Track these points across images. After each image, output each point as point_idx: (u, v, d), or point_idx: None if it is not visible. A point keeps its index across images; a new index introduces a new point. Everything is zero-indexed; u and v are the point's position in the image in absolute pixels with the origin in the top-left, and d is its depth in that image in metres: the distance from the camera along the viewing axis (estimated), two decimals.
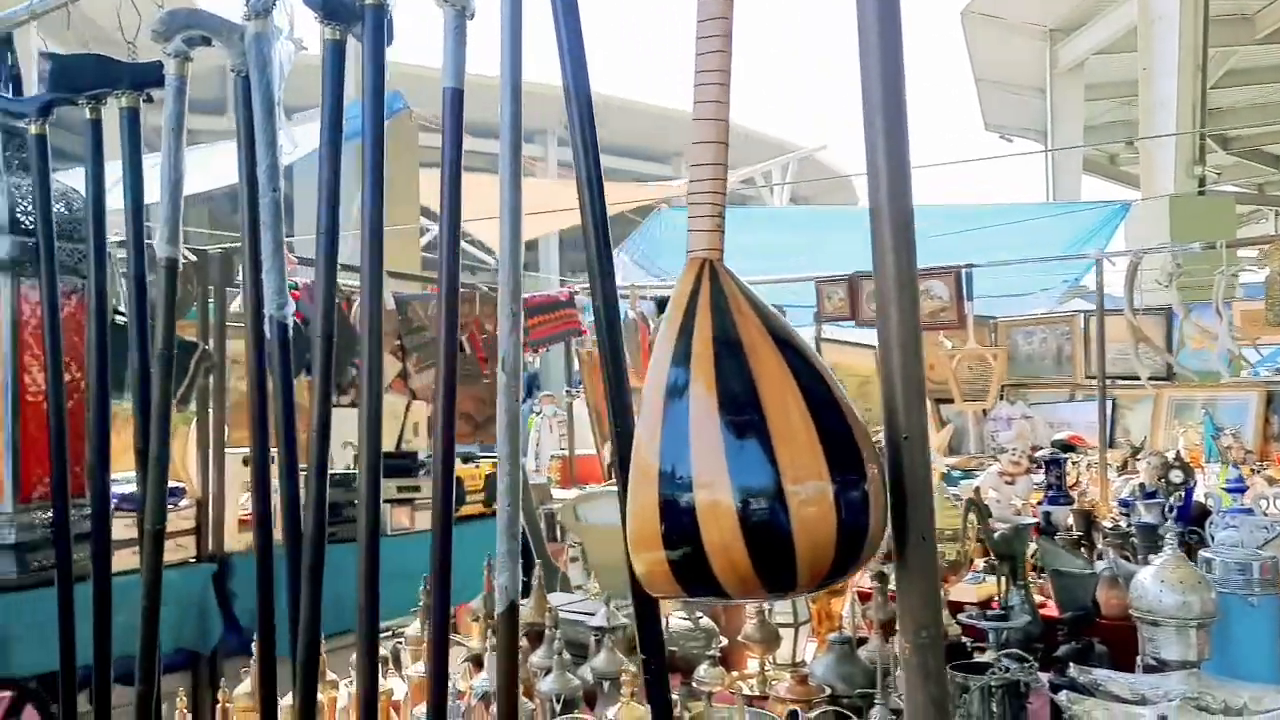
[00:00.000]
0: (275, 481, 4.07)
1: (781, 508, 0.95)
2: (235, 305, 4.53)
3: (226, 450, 3.97)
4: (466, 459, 5.16)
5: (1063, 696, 2.40)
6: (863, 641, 2.99)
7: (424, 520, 4.84)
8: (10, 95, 1.78)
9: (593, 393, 6.90)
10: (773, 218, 11.89)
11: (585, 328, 7.41)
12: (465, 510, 4.95)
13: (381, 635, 2.75)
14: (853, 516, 0.97)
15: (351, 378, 5.03)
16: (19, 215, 1.71)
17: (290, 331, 1.43)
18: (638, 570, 1.03)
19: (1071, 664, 2.62)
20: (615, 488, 3.89)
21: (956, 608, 3.13)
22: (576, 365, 7.13)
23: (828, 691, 2.68)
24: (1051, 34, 16.39)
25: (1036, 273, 8.91)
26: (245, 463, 4.09)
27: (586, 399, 6.96)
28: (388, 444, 5.09)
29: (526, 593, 4.23)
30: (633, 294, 6.79)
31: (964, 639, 3.02)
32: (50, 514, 1.70)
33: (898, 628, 1.04)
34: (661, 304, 7.04)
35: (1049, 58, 16.83)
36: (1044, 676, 2.64)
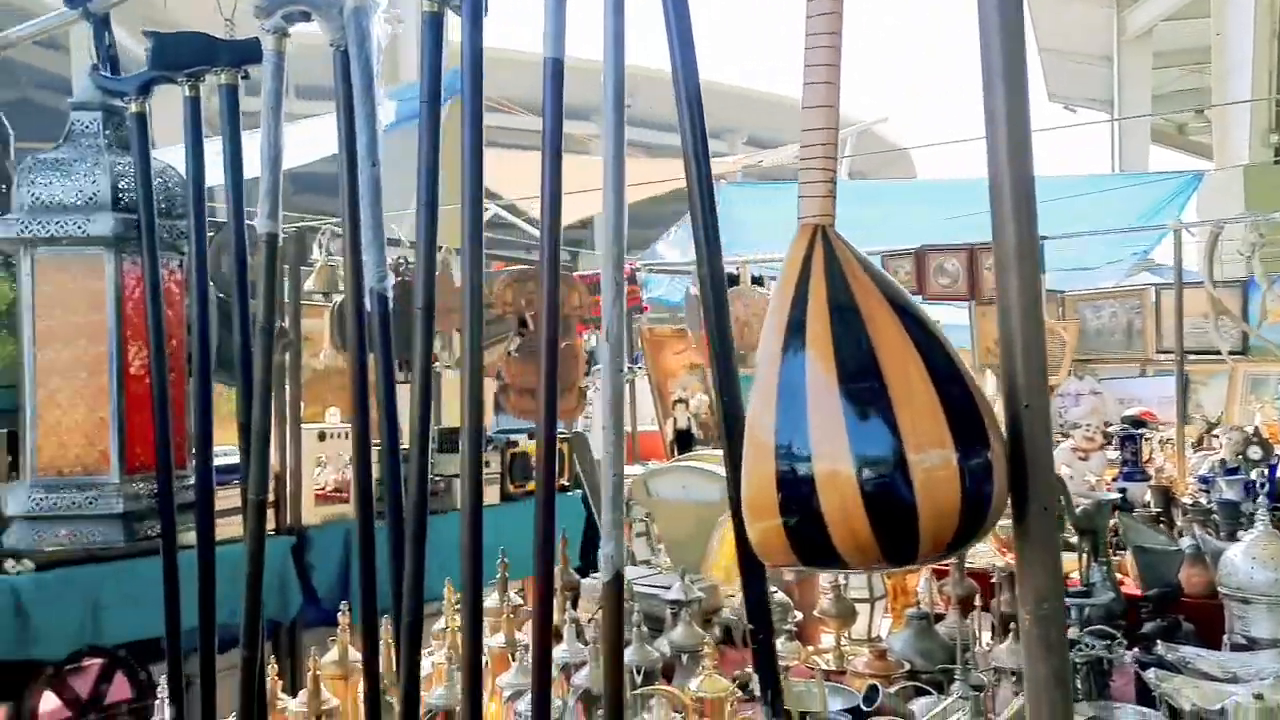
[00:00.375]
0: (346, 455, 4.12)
1: (904, 477, 0.94)
2: (309, 284, 4.61)
3: (302, 426, 4.06)
4: (533, 434, 5.19)
5: (1151, 674, 2.36)
6: (939, 618, 2.97)
7: (492, 494, 4.90)
8: (109, 75, 1.81)
9: (654, 369, 6.91)
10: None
11: (646, 304, 7.41)
12: (532, 485, 5.00)
13: (456, 607, 2.79)
14: (976, 485, 0.95)
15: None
16: (120, 193, 1.75)
17: (391, 305, 1.44)
18: (752, 538, 1.02)
19: (1159, 641, 2.58)
20: (685, 463, 3.88)
21: None
22: (638, 342, 7.13)
23: (906, 667, 2.67)
24: (1118, 0, 15.93)
25: (1104, 246, 8.71)
26: (321, 438, 4.18)
27: (648, 375, 6.97)
28: (454, 420, 5.15)
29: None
30: (696, 269, 6.75)
31: None
32: (154, 484, 1.74)
33: (1017, 600, 1.03)
34: (727, 279, 7.00)
35: (1116, 25, 16.35)
36: (1129, 654, 2.60)
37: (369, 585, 1.46)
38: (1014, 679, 2.49)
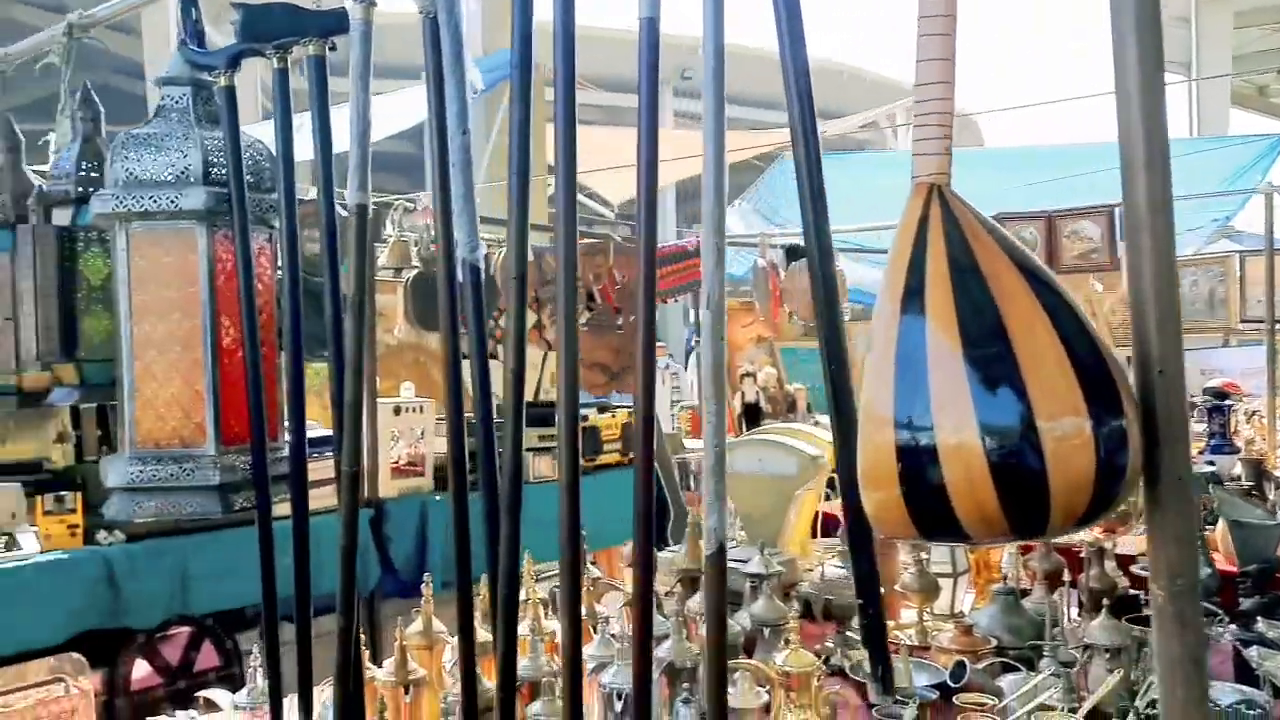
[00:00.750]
0: (415, 429, 4.14)
1: (1034, 445, 0.90)
2: (382, 259, 4.65)
3: (378, 400, 4.10)
4: (602, 409, 5.20)
5: (1253, 652, 2.29)
6: (1025, 593, 2.91)
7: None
8: (197, 48, 1.82)
9: None
10: (894, 161, 11.51)
11: None
12: (602, 459, 5.00)
13: (535, 579, 2.80)
14: (1111, 454, 0.91)
15: (490, 329, 5.11)
16: (210, 167, 1.76)
17: (483, 275, 1.43)
18: (867, 509, 0.99)
19: (1259, 618, 2.50)
20: (762, 436, 3.84)
21: (1126, 561, 3.01)
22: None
23: (993, 643, 2.62)
24: None
25: (1184, 212, 8.43)
26: (396, 412, 4.22)
27: None
28: (525, 394, 5.17)
29: (678, 539, 4.25)
30: (762, 242, 6.69)
31: (1134, 592, 2.91)
32: (248, 457, 1.76)
33: (1149, 575, 0.98)
34: (791, 251, 6.92)
35: None
36: (1228, 631, 2.52)
37: (464, 558, 1.46)
38: (1107, 655, 2.43)
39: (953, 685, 2.37)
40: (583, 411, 5.17)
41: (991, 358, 0.92)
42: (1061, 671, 2.35)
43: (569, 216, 1.31)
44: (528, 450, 4.56)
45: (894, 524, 0.98)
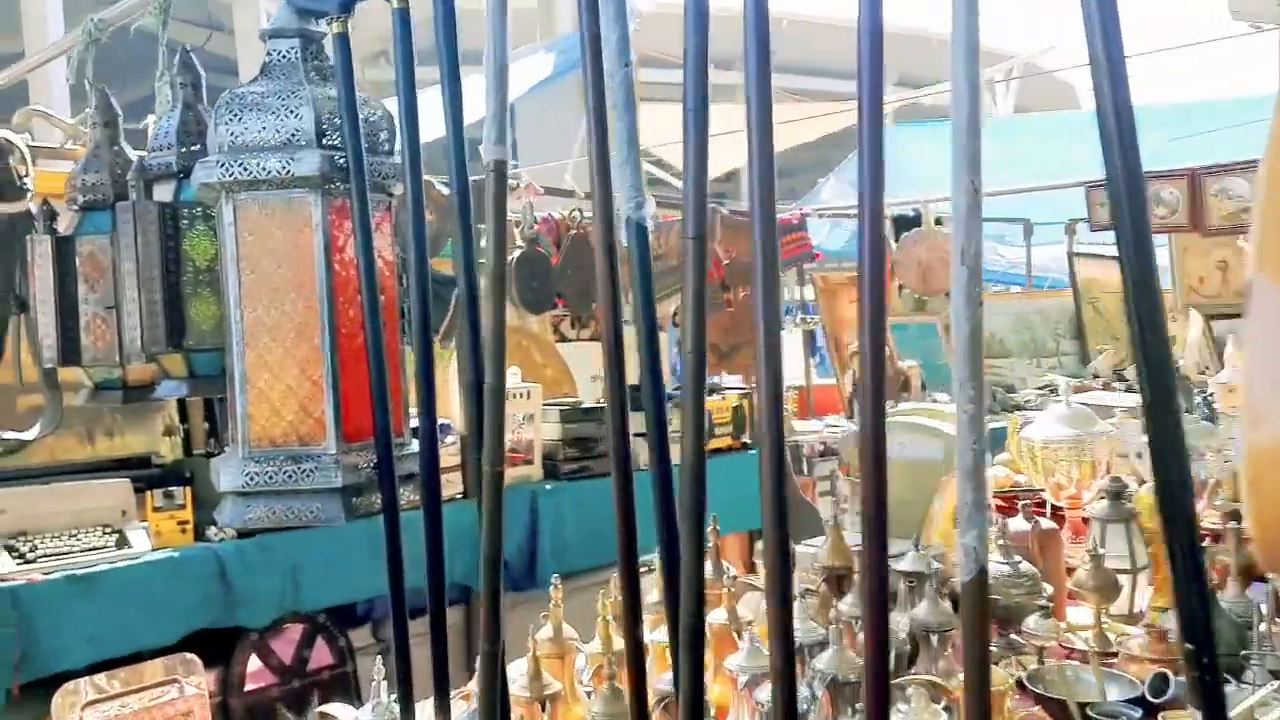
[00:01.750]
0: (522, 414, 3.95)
1: None
2: (483, 240, 4.48)
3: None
4: (712, 390, 4.96)
5: None
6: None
7: (676, 453, 4.70)
8: None
9: (830, 319, 6.55)
10: (1008, 128, 11.03)
11: (819, 251, 7.04)
12: (714, 444, 4.76)
13: (647, 570, 2.58)
14: None
15: (594, 310, 4.91)
16: (324, 129, 1.55)
17: (650, 236, 1.20)
18: (1256, 533, 0.73)
19: None
20: (905, 418, 3.56)
21: None
22: (811, 292, 6.79)
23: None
24: None
25: None
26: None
27: (823, 325, 6.61)
28: (631, 377, 4.97)
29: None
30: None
31: None
32: (371, 455, 1.57)
33: None
34: (900, 221, 6.57)
35: None
36: None
37: (629, 545, 1.24)
38: None
39: (1154, 700, 2.08)
40: None
41: None
42: (1269, 681, 2.05)
43: (766, 195, 1.07)
44: (637, 435, 4.36)
45: None
